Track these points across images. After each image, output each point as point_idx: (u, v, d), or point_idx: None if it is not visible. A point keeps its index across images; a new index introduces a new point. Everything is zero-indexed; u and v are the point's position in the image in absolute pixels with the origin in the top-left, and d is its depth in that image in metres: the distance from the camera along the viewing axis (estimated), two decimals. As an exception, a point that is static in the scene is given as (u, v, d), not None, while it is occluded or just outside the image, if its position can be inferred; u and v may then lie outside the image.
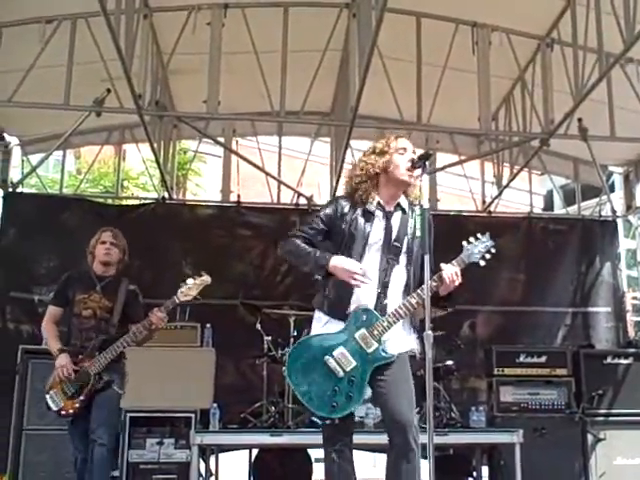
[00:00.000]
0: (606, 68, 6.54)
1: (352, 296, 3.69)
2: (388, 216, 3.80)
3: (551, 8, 7.08)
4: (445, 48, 7.36)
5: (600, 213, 9.54)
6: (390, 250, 3.75)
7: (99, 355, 4.95)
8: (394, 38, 6.92)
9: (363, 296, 3.69)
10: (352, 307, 3.68)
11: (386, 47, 6.86)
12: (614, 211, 9.48)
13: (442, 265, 3.69)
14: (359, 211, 3.77)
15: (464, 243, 3.81)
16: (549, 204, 18.36)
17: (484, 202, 9.54)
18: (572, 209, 10.35)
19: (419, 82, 7.41)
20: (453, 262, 3.75)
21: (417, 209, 3.76)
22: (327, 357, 3.63)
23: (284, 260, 8.26)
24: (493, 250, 3.81)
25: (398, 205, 3.85)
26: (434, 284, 3.64)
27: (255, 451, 7.01)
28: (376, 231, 3.76)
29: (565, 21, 7.01)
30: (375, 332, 3.63)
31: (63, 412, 4.98)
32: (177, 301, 5.04)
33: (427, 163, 3.74)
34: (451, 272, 3.66)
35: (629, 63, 7.18)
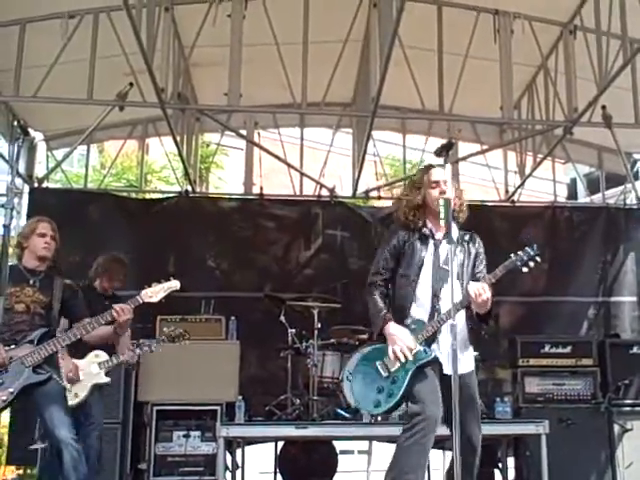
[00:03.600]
0: (630, 54, 6.47)
1: (409, 310, 4.06)
2: (436, 244, 4.11)
3: (574, -6, 7.02)
4: (467, 36, 7.31)
5: (625, 201, 9.44)
6: (439, 273, 4.04)
7: (37, 347, 4.52)
8: (415, 27, 6.88)
9: (419, 312, 4.04)
10: (409, 320, 4.03)
11: (407, 36, 6.81)
12: (639, 199, 9.37)
13: (470, 283, 3.97)
14: (416, 236, 4.13)
15: (512, 255, 4.10)
16: (573, 193, 18.19)
17: (507, 192, 9.47)
18: (596, 197, 10.25)
19: (440, 71, 7.36)
20: (494, 272, 4.04)
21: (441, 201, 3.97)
22: (378, 362, 4.02)
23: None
24: (538, 259, 4.09)
25: (447, 234, 4.03)
26: (459, 305, 3.91)
27: (281, 443, 7.04)
28: (429, 256, 4.09)
29: (588, 7, 6.93)
30: (419, 336, 3.95)
31: None
32: (140, 301, 4.69)
33: (449, 152, 3.79)
34: (476, 288, 3.90)
35: (654, 48, 7.08)
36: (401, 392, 3.91)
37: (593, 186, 10.62)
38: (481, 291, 3.86)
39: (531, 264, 4.06)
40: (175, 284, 4.82)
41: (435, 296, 4.02)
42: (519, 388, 6.90)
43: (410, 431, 3.78)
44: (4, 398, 4.43)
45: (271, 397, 6.54)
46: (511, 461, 6.84)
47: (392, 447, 6.51)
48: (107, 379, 5.52)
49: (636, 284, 9.03)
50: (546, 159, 8.93)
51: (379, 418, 5.81)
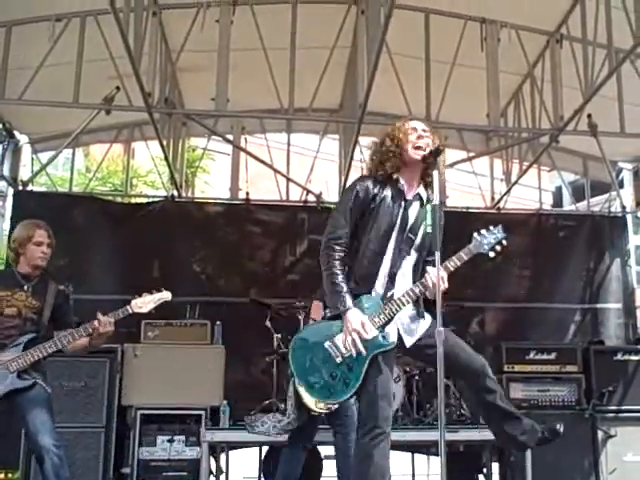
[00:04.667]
0: (616, 64, 6.53)
1: (375, 284, 3.66)
2: (406, 205, 3.73)
3: (560, 4, 7.08)
4: (454, 44, 7.37)
5: (609, 209, 9.50)
6: (403, 240, 3.69)
7: (24, 352, 4.46)
8: (403, 35, 6.93)
9: (379, 287, 3.65)
10: (363, 298, 3.64)
11: (394, 44, 6.87)
12: (623, 207, 9.44)
13: (428, 269, 3.66)
14: (388, 191, 3.71)
15: (474, 234, 3.79)
16: (558, 200, 18.31)
17: (493, 199, 9.51)
18: (581, 205, 10.32)
19: (428, 78, 7.41)
20: (458, 255, 3.73)
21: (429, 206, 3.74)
22: (328, 343, 3.63)
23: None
24: (504, 242, 3.78)
25: (417, 195, 3.79)
26: (417, 290, 3.63)
27: (265, 448, 7.01)
28: (399, 216, 3.69)
29: (574, 17, 7.00)
30: (376, 319, 3.60)
31: None
32: (130, 311, 4.61)
33: (437, 158, 3.71)
34: (435, 277, 3.56)
35: (639, 58, 7.14)
36: (359, 382, 3.55)
37: (578, 194, 10.69)
38: (440, 282, 3.52)
39: (498, 248, 3.76)
40: (166, 295, 4.75)
41: (393, 269, 3.66)
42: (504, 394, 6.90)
43: (367, 436, 3.52)
44: None
45: (256, 402, 6.49)
46: (495, 467, 6.85)
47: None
48: None
49: (621, 291, 9.09)
50: (532, 167, 8.98)
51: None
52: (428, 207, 3.71)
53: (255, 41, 7.01)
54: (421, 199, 3.79)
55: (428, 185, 3.81)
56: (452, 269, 3.69)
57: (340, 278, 3.60)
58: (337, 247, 3.64)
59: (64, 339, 4.53)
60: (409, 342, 3.70)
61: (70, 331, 4.54)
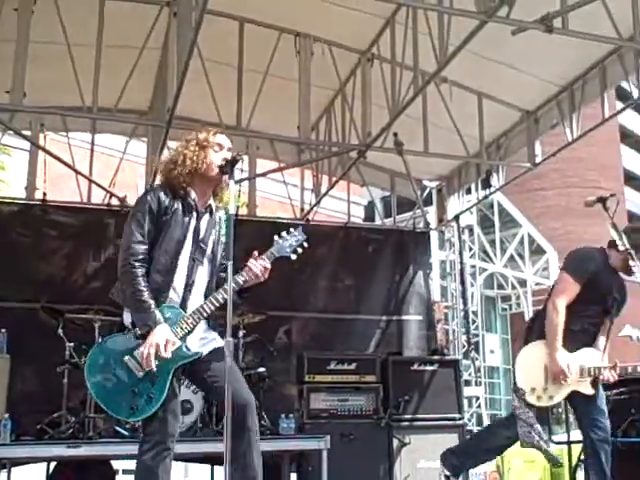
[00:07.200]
0: (421, 86, 6.78)
1: (167, 297, 3.60)
2: (199, 215, 3.73)
3: (372, 24, 7.25)
4: (268, 55, 7.36)
5: (415, 225, 9.88)
6: (196, 250, 3.69)
7: None
8: (216, 41, 6.86)
9: (174, 298, 3.62)
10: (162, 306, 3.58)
11: (208, 50, 6.79)
12: (427, 223, 9.87)
13: (250, 262, 3.70)
14: (179, 204, 3.66)
15: (275, 237, 3.83)
16: (371, 214, 18.94)
17: (303, 210, 9.60)
18: (389, 220, 10.68)
19: (240, 87, 7.38)
20: (263, 256, 3.76)
21: (222, 213, 3.83)
22: (127, 357, 3.51)
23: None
24: (305, 244, 3.85)
25: (208, 206, 3.80)
26: (220, 297, 3.61)
27: (54, 464, 6.62)
28: (190, 232, 3.68)
29: (385, 38, 7.22)
30: (178, 330, 3.56)
31: None
32: None
33: (234, 168, 3.69)
34: (261, 265, 3.69)
35: (443, 82, 7.47)
36: (163, 396, 3.47)
37: (389, 209, 11.07)
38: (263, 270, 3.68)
39: (300, 250, 3.83)
40: None
41: (189, 280, 3.65)
42: (304, 404, 6.96)
43: (151, 452, 3.50)
44: None
45: (45, 415, 6.12)
46: (294, 477, 6.88)
47: (176, 464, 6.31)
48: (592, 391, 4.79)
49: (423, 304, 9.46)
50: (342, 180, 9.15)
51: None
52: (222, 216, 3.78)
53: (59, 35, 6.63)
54: (211, 210, 3.82)
55: (217, 195, 3.86)
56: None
57: (146, 295, 3.49)
58: (137, 264, 3.53)
59: None
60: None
61: None
